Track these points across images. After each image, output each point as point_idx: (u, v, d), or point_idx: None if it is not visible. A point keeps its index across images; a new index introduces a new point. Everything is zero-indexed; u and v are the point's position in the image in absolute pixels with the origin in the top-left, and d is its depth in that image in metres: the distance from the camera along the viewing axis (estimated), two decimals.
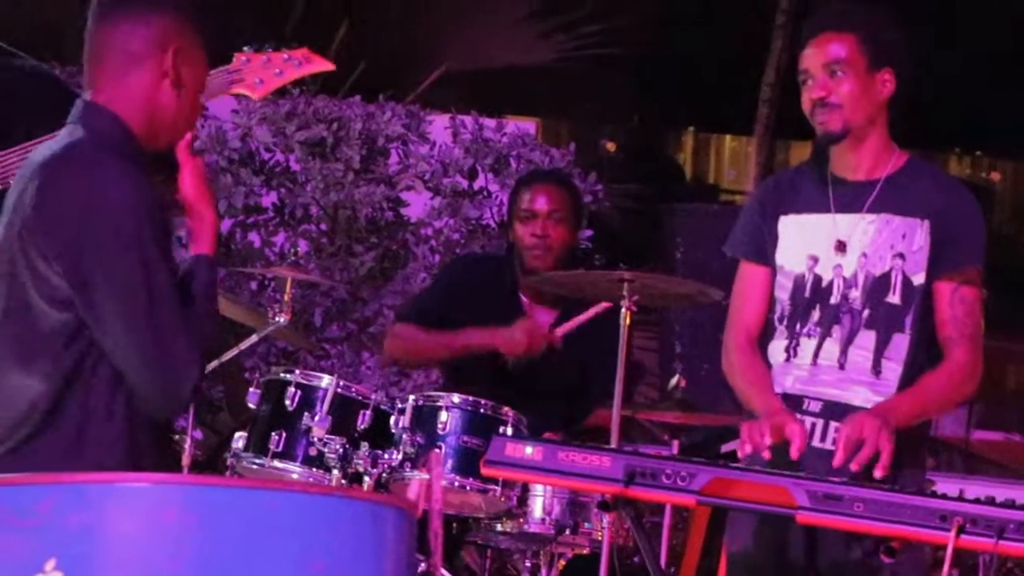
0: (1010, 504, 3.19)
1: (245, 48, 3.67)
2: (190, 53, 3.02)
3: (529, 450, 3.48)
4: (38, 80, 4.14)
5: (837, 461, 3.48)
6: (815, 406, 3.74)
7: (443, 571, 4.28)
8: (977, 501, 3.22)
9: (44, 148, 3.01)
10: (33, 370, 2.90)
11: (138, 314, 2.84)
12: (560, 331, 4.78)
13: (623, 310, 4.36)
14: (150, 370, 2.86)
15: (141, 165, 2.96)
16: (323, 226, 7.04)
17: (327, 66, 3.81)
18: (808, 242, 3.81)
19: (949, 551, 3.16)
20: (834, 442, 3.64)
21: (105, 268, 2.84)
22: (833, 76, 3.71)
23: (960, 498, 3.26)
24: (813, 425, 3.72)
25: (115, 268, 2.84)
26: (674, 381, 4.95)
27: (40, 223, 2.87)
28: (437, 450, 4.27)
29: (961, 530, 3.16)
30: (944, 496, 3.28)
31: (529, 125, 8.09)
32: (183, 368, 2.88)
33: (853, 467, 3.47)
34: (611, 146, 14.99)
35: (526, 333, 4.74)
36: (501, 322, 4.92)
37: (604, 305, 4.68)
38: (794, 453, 3.52)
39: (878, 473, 3.46)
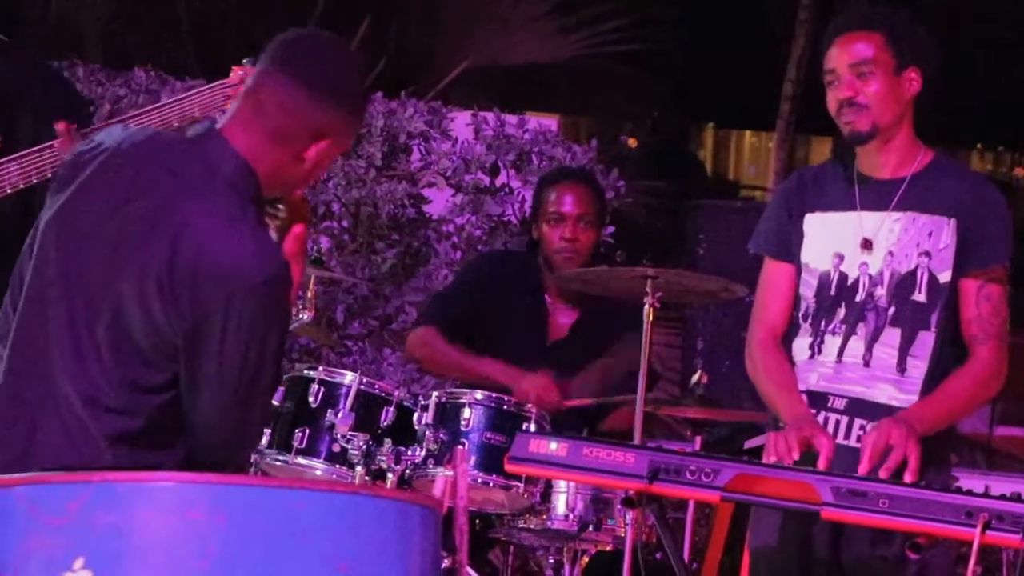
0: None
1: (244, 61, 3.66)
2: (335, 147, 2.93)
3: (553, 446, 3.48)
4: (51, 82, 4.13)
5: (863, 469, 3.47)
6: (840, 403, 3.73)
7: (468, 569, 4.28)
8: (1003, 497, 3.21)
9: (153, 161, 2.86)
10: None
11: (238, 390, 2.79)
12: (568, 403, 4.77)
13: (646, 307, 4.36)
14: (223, 440, 2.83)
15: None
16: (345, 223, 7.05)
17: None
18: (834, 240, 3.80)
19: (975, 547, 3.15)
20: (859, 439, 3.63)
21: (229, 338, 2.76)
22: (861, 76, 3.70)
23: (986, 494, 3.25)
24: (838, 422, 3.72)
25: (237, 342, 2.76)
26: (696, 377, 4.94)
27: (179, 275, 2.75)
28: (462, 446, 4.27)
29: (987, 526, 3.15)
30: (970, 492, 3.28)
31: (551, 121, 8.09)
32: (252, 441, 2.90)
33: (882, 474, 3.46)
34: (632, 142, 14.97)
35: (537, 389, 4.70)
36: (525, 320, 4.92)
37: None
38: (822, 464, 3.51)
39: (907, 479, 3.45)
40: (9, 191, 3.73)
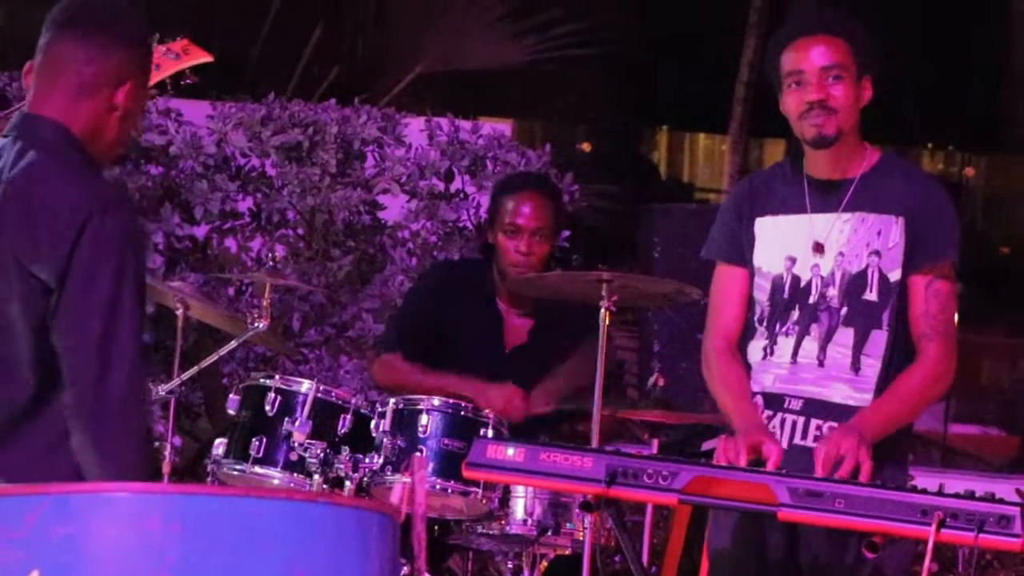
0: (990, 498, 3.21)
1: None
2: (139, 87, 3.07)
3: (511, 451, 3.48)
4: None
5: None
6: (796, 404, 3.75)
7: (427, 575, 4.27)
8: (957, 495, 3.24)
9: None
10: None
11: (96, 315, 2.90)
12: (537, 410, 4.77)
13: (602, 310, 4.36)
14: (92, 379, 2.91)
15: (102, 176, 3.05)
16: (300, 231, 7.03)
17: (206, 57, 3.78)
18: (785, 243, 3.82)
19: (930, 545, 3.17)
20: (815, 439, 3.65)
21: (88, 276, 2.88)
22: (831, 80, 3.72)
23: (940, 492, 3.27)
24: (794, 423, 3.74)
25: (97, 278, 2.89)
26: (652, 380, 4.96)
27: (30, 238, 2.90)
28: (419, 453, 4.26)
29: (942, 524, 3.17)
30: (924, 491, 3.30)
31: (505, 126, 8.08)
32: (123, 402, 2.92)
33: (833, 473, 3.48)
34: (586, 146, 15.00)
35: (503, 400, 4.71)
36: (481, 330, 4.92)
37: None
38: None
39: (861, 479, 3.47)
40: None
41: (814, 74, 3.71)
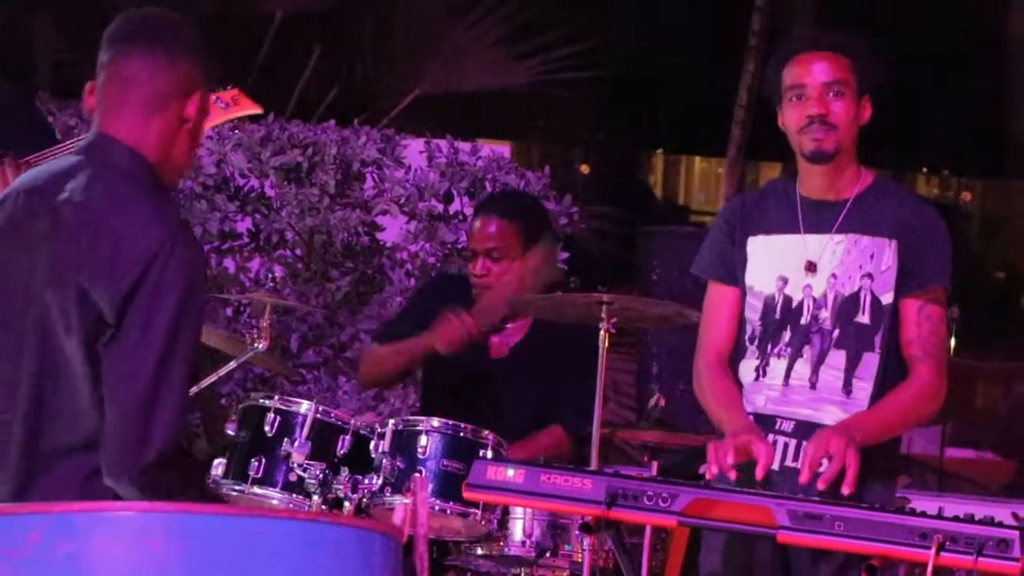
0: (989, 521, 3.21)
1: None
2: (205, 97, 3.06)
3: (511, 473, 3.48)
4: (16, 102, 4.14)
5: (803, 479, 3.50)
6: (787, 426, 3.76)
7: None
8: (956, 519, 3.24)
9: (49, 181, 2.98)
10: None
11: (149, 362, 2.87)
12: (481, 327, 4.79)
13: (602, 332, 4.37)
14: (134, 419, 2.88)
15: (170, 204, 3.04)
16: (299, 251, 7.03)
17: (256, 109, 3.80)
18: (778, 263, 3.82)
19: (930, 569, 3.17)
20: (811, 464, 3.65)
21: (147, 316, 2.86)
22: (832, 96, 3.73)
23: (939, 516, 3.28)
24: (786, 445, 3.74)
25: (155, 319, 2.86)
26: (652, 402, 4.96)
27: (95, 265, 2.87)
28: (421, 475, 4.26)
29: (941, 547, 3.17)
30: (923, 514, 3.30)
31: (504, 148, 8.10)
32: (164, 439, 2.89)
33: (820, 485, 3.48)
34: (584, 168, 15.01)
35: (441, 326, 4.77)
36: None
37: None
38: (759, 473, 3.54)
39: (845, 490, 3.47)
40: None
41: (815, 88, 3.73)
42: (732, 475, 3.53)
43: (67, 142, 3.74)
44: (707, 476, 3.59)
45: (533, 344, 4.98)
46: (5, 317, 2.94)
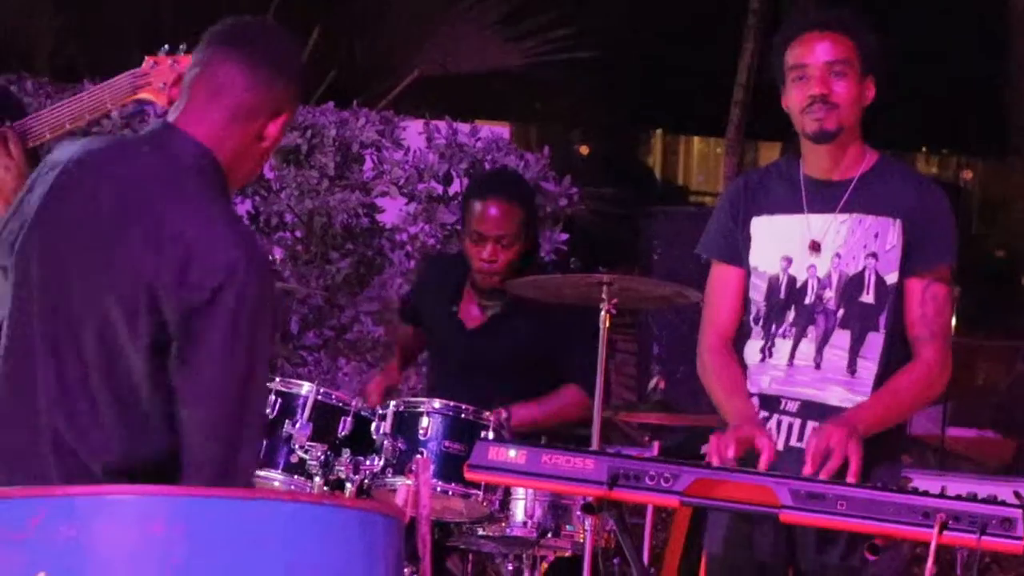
0: (992, 500, 3.20)
1: (159, 51, 3.64)
2: (290, 120, 2.98)
3: (512, 453, 3.47)
4: None
5: (806, 471, 3.49)
6: (792, 406, 3.75)
7: None
8: (959, 498, 3.23)
9: (108, 161, 2.87)
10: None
11: (231, 388, 2.77)
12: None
13: (603, 313, 4.36)
14: (221, 437, 2.78)
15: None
16: (298, 233, 7.03)
17: None
18: (781, 243, 3.81)
19: (932, 548, 3.17)
20: (813, 457, 3.64)
21: (225, 354, 2.75)
22: (835, 75, 3.72)
23: (942, 495, 3.27)
24: (791, 425, 3.74)
25: (233, 356, 2.76)
26: (653, 383, 4.96)
27: (165, 268, 2.74)
28: (423, 456, 4.25)
29: (944, 527, 3.16)
30: (926, 493, 3.29)
31: (503, 129, 8.10)
32: (252, 439, 2.83)
33: (823, 477, 3.47)
34: (584, 149, 15.01)
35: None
36: (442, 320, 4.97)
37: None
38: (762, 465, 3.52)
39: (850, 480, 3.46)
40: None
41: (818, 68, 3.71)
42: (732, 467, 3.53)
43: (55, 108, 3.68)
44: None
45: (511, 311, 4.93)
46: (53, 304, 2.82)
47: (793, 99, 3.75)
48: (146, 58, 3.64)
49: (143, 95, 3.63)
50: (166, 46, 3.65)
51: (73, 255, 2.81)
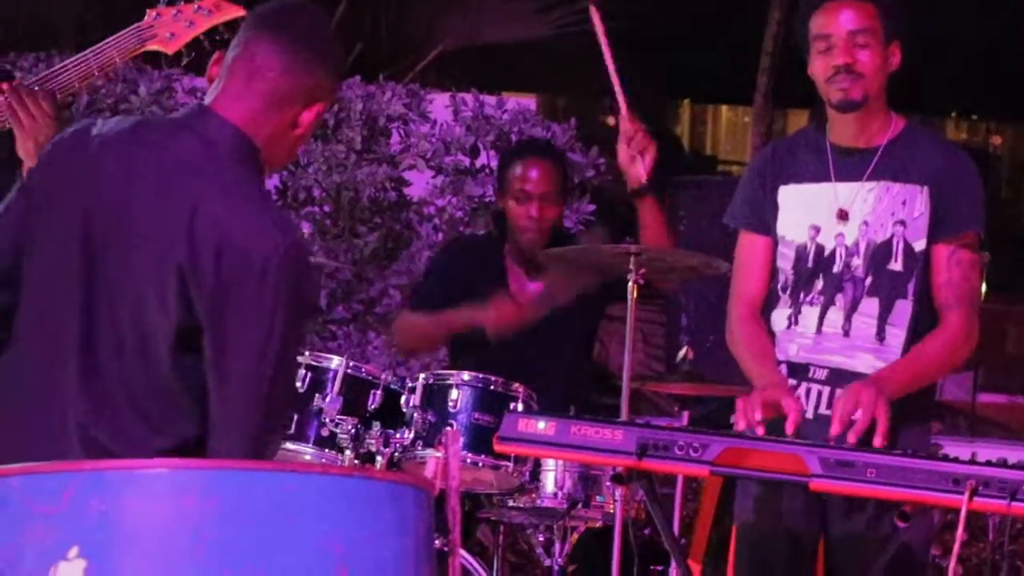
0: (1022, 466, 3.20)
1: (160, 2, 3.63)
2: (325, 109, 2.96)
3: (542, 425, 3.48)
4: None
5: (834, 431, 3.49)
6: (821, 374, 3.75)
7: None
8: (989, 464, 3.22)
9: (142, 139, 2.85)
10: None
11: (264, 370, 2.77)
12: (529, 316, 4.79)
13: (630, 283, 4.36)
14: (253, 424, 2.79)
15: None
16: (326, 208, 7.04)
17: (239, 11, 3.74)
18: (809, 211, 3.81)
19: (963, 514, 3.16)
20: (841, 416, 3.64)
21: (257, 316, 2.75)
22: (858, 45, 3.71)
23: (972, 461, 3.26)
24: (820, 392, 3.74)
25: (270, 340, 2.75)
26: (682, 353, 4.95)
27: (200, 256, 2.73)
28: (453, 428, 4.27)
29: (974, 493, 3.16)
30: (956, 459, 3.29)
31: (529, 101, 8.09)
32: (279, 424, 2.86)
33: (850, 438, 3.47)
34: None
35: (494, 308, 4.77)
36: (488, 299, 4.92)
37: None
38: (789, 428, 3.52)
39: (877, 441, 3.45)
40: None
41: (841, 38, 3.70)
42: (759, 431, 3.53)
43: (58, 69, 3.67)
44: (736, 429, 3.59)
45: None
46: (93, 285, 2.81)
47: (817, 69, 3.74)
48: (148, 11, 3.64)
49: (151, 46, 3.62)
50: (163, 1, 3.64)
51: (111, 234, 2.80)
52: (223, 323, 2.74)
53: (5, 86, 3.55)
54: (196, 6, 3.60)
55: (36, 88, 3.54)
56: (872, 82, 3.72)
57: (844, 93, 3.71)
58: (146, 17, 3.62)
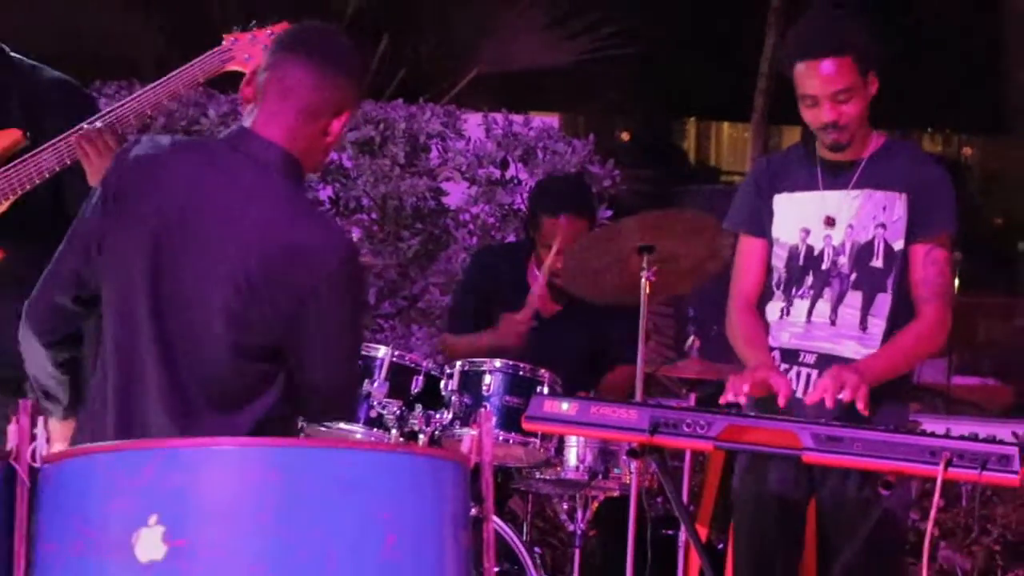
0: (991, 439, 3.20)
1: (233, 29, 3.63)
2: (352, 117, 2.95)
3: (565, 406, 3.49)
4: (63, 88, 3.97)
5: (809, 400, 3.50)
6: (810, 358, 3.75)
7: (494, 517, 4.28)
8: (962, 438, 3.22)
9: (192, 160, 2.84)
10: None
11: (341, 365, 2.87)
12: (536, 299, 4.74)
13: (643, 280, 4.36)
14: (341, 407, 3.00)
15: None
16: (374, 215, 7.05)
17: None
18: (801, 217, 3.81)
19: (939, 482, 3.16)
20: (825, 390, 3.63)
21: (325, 322, 2.79)
22: (840, 102, 3.67)
23: (947, 435, 3.26)
24: (809, 375, 3.74)
25: (333, 324, 2.80)
26: (689, 342, 4.95)
27: (259, 275, 2.73)
28: (485, 409, 4.26)
29: (949, 463, 3.16)
30: (933, 434, 3.29)
31: (552, 120, 8.08)
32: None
33: (828, 404, 3.47)
34: (625, 136, 14.96)
35: (504, 327, 4.73)
36: (514, 309, 4.87)
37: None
38: (781, 403, 3.53)
39: (859, 405, 3.46)
40: (47, 176, 3.60)
41: (825, 99, 3.67)
42: (742, 400, 3.53)
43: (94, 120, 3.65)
44: (720, 402, 3.58)
45: (572, 306, 4.92)
46: (162, 307, 2.79)
47: (808, 119, 3.72)
48: (224, 37, 3.64)
49: (231, 67, 3.62)
50: (236, 26, 3.64)
51: (178, 250, 2.77)
52: (295, 335, 2.75)
53: (74, 139, 3.55)
54: (270, 31, 3.61)
55: (100, 125, 3.54)
56: (857, 124, 3.71)
57: (834, 141, 3.72)
58: (223, 42, 3.62)
